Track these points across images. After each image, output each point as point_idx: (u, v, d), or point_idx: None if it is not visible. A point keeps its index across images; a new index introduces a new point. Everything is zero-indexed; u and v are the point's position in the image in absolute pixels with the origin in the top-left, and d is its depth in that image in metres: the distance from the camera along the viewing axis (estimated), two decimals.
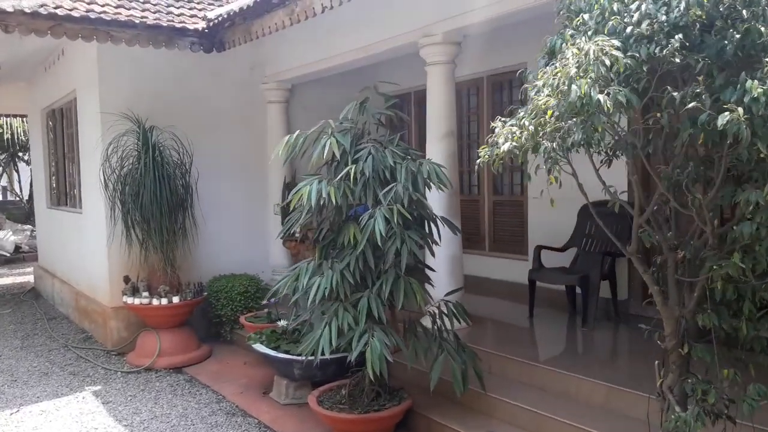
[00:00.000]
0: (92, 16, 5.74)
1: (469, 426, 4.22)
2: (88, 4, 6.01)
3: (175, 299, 6.56)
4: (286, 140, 4.21)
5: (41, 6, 5.57)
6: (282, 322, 5.68)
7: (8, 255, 14.50)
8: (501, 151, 2.36)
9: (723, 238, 2.34)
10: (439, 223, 4.29)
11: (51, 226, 9.97)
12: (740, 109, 1.87)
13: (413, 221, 4.08)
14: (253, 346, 5.45)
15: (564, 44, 2.37)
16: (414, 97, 8.19)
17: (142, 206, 6.42)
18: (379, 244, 3.83)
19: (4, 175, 19.37)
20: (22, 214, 17.25)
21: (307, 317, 4.33)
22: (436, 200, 4.88)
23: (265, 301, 6.52)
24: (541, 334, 5.55)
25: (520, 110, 2.47)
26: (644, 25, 2.07)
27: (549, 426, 3.93)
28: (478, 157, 2.58)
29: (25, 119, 15.35)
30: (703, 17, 2.04)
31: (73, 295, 8.51)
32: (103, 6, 6.11)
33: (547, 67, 2.33)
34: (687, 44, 2.05)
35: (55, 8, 5.64)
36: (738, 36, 2.03)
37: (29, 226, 15.64)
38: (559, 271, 5.80)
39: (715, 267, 2.23)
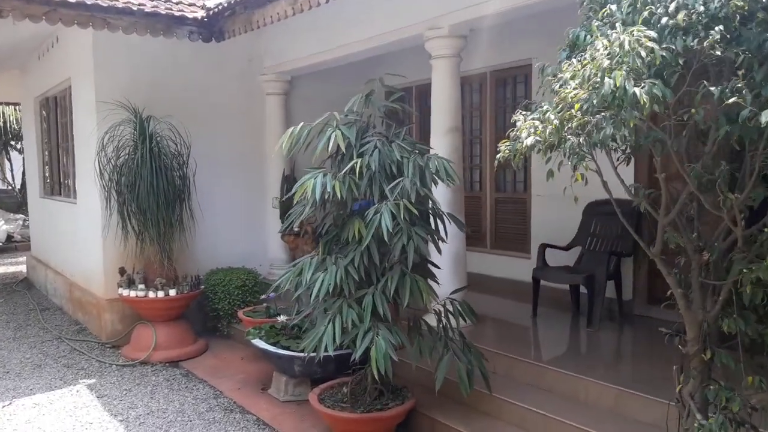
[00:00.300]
0: (88, 1, 5.58)
1: (475, 428, 4.14)
2: None
3: (172, 292, 6.45)
4: (290, 131, 4.09)
5: None
6: (282, 318, 5.58)
7: (0, 244, 14.32)
8: (524, 145, 2.26)
9: (751, 240, 2.26)
10: (445, 219, 4.19)
11: (44, 215, 9.82)
12: None
13: (419, 217, 3.98)
14: (252, 341, 5.35)
15: (589, 36, 2.27)
16: (415, 91, 8.08)
17: (139, 197, 6.30)
18: (386, 239, 3.73)
19: None
20: (14, 203, 17.04)
21: (310, 313, 4.23)
22: (440, 196, 4.77)
23: (264, 296, 6.41)
24: (546, 334, 5.47)
25: (543, 103, 2.36)
26: (681, 16, 1.97)
27: (557, 429, 3.85)
28: (498, 152, 2.47)
29: (18, 107, 15.15)
30: (745, 8, 1.94)
31: (66, 286, 8.38)
32: None
33: (573, 59, 2.22)
34: (727, 36, 1.95)
35: None
36: None
37: (21, 216, 15.45)
38: (563, 270, 5.72)
39: (745, 270, 2.14)
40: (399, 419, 4.25)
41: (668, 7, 2.01)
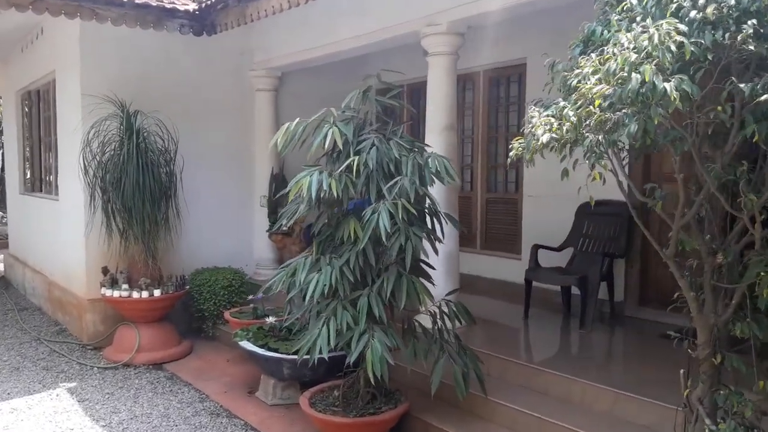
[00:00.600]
0: None
1: (467, 430, 4.06)
2: None
3: (157, 292, 6.29)
4: (285, 128, 3.98)
5: None
6: (270, 319, 5.45)
7: None
8: (539, 142, 2.18)
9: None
10: (442, 218, 4.12)
11: (24, 212, 9.58)
12: None
13: (416, 217, 3.90)
14: (239, 343, 5.22)
15: (606, 31, 2.20)
16: (407, 89, 7.99)
17: (124, 194, 6.14)
18: (384, 240, 3.64)
19: None
20: None
21: (303, 315, 4.12)
22: (435, 195, 4.70)
23: (251, 297, 6.28)
24: (540, 336, 5.41)
25: (558, 100, 2.28)
26: (710, 9, 1.90)
27: None
28: (511, 149, 2.39)
29: None
30: None
31: (46, 285, 8.17)
32: None
33: (591, 54, 2.15)
34: (761, 31, 1.89)
35: None
36: None
37: None
38: (555, 271, 5.67)
39: (763, 273, 2.09)
40: (392, 423, 4.16)
41: (697, 0, 1.93)
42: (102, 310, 6.68)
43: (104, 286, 6.35)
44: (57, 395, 5.39)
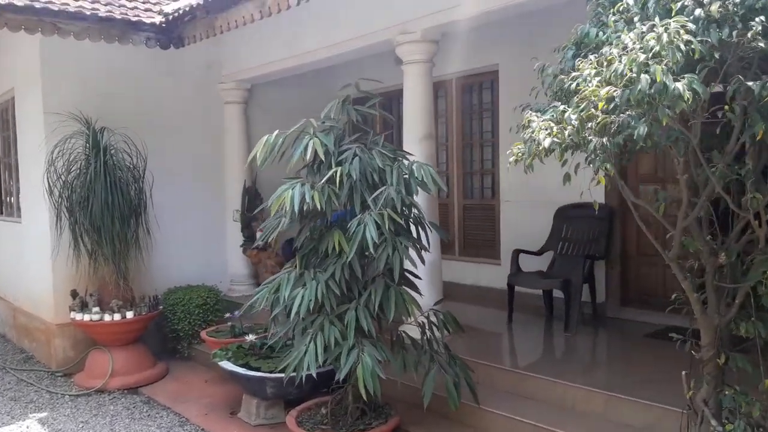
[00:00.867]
0: (37, 5, 5.23)
1: None
2: None
3: (129, 314, 6.07)
4: (264, 140, 3.88)
5: None
6: (250, 337, 5.30)
7: None
8: (541, 147, 2.13)
9: None
10: (427, 228, 4.06)
11: None
12: None
13: (402, 227, 3.83)
14: (219, 363, 5.06)
15: (601, 32, 2.17)
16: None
17: (92, 214, 5.92)
18: (372, 251, 3.56)
19: None
20: None
21: (287, 332, 4.00)
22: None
23: (228, 315, 6.11)
24: (525, 341, 5.38)
25: (557, 104, 2.24)
26: (715, 7, 1.89)
27: None
28: (512, 155, 2.34)
29: None
30: None
31: (10, 311, 7.84)
32: None
33: (590, 56, 2.12)
34: None
35: None
36: None
37: None
38: (537, 275, 5.67)
39: None
40: None
41: None
42: (72, 335, 6.42)
43: (74, 310, 6.11)
44: (27, 427, 5.14)
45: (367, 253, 3.85)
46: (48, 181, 6.02)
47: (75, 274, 6.19)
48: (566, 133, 2.06)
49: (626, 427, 3.71)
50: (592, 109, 2.00)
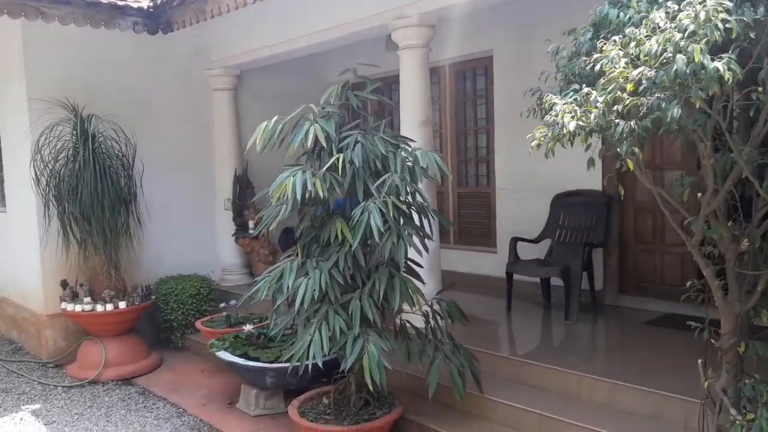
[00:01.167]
0: None
1: (466, 430, 3.96)
2: None
3: (122, 304, 5.98)
4: (263, 127, 3.78)
5: None
6: (248, 327, 5.24)
7: None
8: (565, 131, 2.07)
9: None
10: (431, 216, 4.00)
11: None
12: None
13: (406, 215, 3.77)
14: (217, 354, 4.99)
15: (623, 13, 2.11)
16: (363, 88, 7.82)
17: (81, 203, 5.79)
18: (377, 239, 3.50)
19: None
20: None
21: (290, 322, 3.94)
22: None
23: (223, 304, 6.03)
24: (525, 329, 5.35)
25: (576, 86, 2.18)
26: None
27: (554, 428, 3.73)
28: (532, 139, 2.27)
29: None
30: None
31: None
32: None
33: (614, 37, 2.06)
34: None
35: None
36: None
37: None
38: (535, 263, 5.65)
39: None
40: (387, 429, 4.03)
41: None
42: (63, 325, 6.31)
43: (64, 300, 6.00)
44: (21, 419, 5.04)
45: (369, 242, 3.80)
46: (35, 170, 5.88)
47: (65, 264, 6.06)
48: (591, 116, 2.01)
49: (631, 414, 3.71)
50: (619, 92, 1.94)
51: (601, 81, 2.03)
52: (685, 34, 1.81)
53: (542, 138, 2.19)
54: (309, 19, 5.85)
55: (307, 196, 3.63)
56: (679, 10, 1.88)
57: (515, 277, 5.71)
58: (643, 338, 4.77)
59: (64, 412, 5.16)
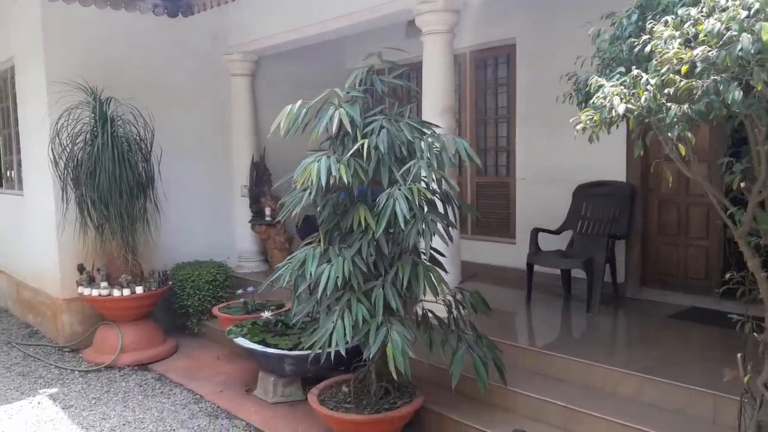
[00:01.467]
0: None
1: (487, 422, 3.91)
2: None
3: (139, 289, 5.95)
4: (287, 111, 3.71)
5: None
6: (266, 314, 5.20)
7: None
8: (614, 114, 1.99)
9: None
10: (455, 204, 3.93)
11: None
12: None
13: (431, 203, 3.70)
14: (235, 340, 4.96)
15: None
16: (388, 72, 7.73)
17: (100, 187, 5.75)
18: (402, 227, 3.43)
19: None
20: None
21: (313, 309, 3.89)
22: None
23: (241, 291, 6.00)
24: (547, 321, 5.27)
25: (632, 67, 2.09)
26: None
27: (580, 421, 3.67)
28: (579, 123, 2.19)
29: None
30: None
31: (13, 286, 7.70)
32: None
33: (667, 18, 1.97)
34: None
35: None
36: None
37: None
38: (557, 254, 5.56)
39: None
40: (407, 419, 3.98)
41: None
42: (79, 310, 6.30)
43: (81, 284, 5.98)
44: (38, 403, 5.04)
45: (391, 230, 3.74)
46: (53, 153, 5.85)
47: (82, 249, 6.05)
48: (642, 99, 1.93)
49: (657, 408, 3.64)
50: (671, 74, 1.86)
51: (653, 62, 1.95)
52: (751, 12, 1.73)
53: (588, 121, 2.11)
54: (327, 5, 5.76)
55: (331, 182, 3.58)
56: None
57: (536, 268, 5.64)
58: (666, 332, 4.69)
59: (82, 396, 5.16)
